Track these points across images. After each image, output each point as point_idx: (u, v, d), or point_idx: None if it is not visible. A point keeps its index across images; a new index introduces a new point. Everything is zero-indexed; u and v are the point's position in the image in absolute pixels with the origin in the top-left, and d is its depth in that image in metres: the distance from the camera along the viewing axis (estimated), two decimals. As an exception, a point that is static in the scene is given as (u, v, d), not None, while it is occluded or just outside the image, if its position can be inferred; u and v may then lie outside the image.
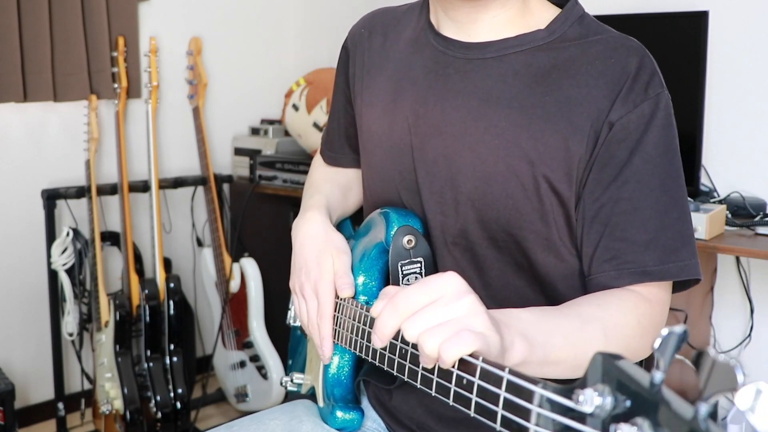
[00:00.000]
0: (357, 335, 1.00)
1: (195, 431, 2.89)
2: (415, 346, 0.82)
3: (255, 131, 3.33)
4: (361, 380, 1.20)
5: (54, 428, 2.90)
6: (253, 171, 3.13)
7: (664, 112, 1.00)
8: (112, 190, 2.90)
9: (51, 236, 2.79)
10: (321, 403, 1.16)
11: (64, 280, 2.78)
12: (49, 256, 2.78)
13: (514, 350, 0.80)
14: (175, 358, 2.75)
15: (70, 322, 2.81)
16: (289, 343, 1.42)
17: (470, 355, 0.71)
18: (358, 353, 1.00)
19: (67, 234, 2.79)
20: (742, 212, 2.22)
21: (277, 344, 2.88)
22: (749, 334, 2.36)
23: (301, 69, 3.54)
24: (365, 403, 1.25)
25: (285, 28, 3.64)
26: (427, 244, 1.09)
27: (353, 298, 1.07)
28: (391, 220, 1.09)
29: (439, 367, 0.76)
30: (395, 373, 0.87)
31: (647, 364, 1.13)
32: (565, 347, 0.88)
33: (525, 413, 0.60)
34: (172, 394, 2.70)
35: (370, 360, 0.96)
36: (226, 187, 3.28)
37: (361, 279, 1.10)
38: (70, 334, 2.82)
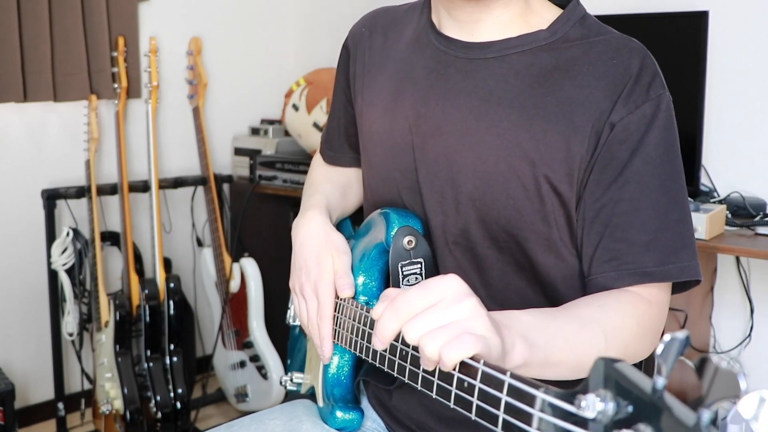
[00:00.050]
0: (357, 335, 1.00)
1: (195, 431, 2.89)
2: (415, 349, 0.82)
3: (255, 131, 3.33)
4: (360, 380, 1.20)
5: (54, 428, 2.90)
6: (253, 171, 3.13)
7: (665, 113, 1.01)
8: (112, 190, 2.90)
9: (51, 236, 2.79)
10: (321, 403, 1.16)
11: (64, 280, 2.78)
12: (49, 256, 2.78)
13: (515, 352, 0.80)
14: (175, 358, 2.75)
15: (70, 322, 2.81)
16: (288, 342, 1.42)
17: (471, 358, 0.71)
18: (358, 354, 1.00)
19: (67, 234, 2.79)
20: (742, 212, 2.22)
21: (277, 344, 2.88)
22: (749, 334, 2.36)
23: (301, 69, 3.54)
24: (365, 403, 1.25)
25: (285, 28, 3.64)
26: (428, 244, 1.09)
27: (353, 298, 1.07)
28: (392, 220, 1.09)
29: (440, 369, 0.76)
30: (395, 375, 0.87)
31: (646, 365, 1.13)
32: (566, 349, 0.88)
33: (527, 417, 0.60)
34: (172, 394, 2.70)
35: (370, 361, 0.96)
36: (226, 187, 3.28)
37: (361, 279, 1.10)
38: (70, 334, 2.82)
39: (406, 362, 0.84)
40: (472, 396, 0.69)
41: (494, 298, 1.07)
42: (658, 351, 0.47)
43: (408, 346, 0.84)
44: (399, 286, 1.06)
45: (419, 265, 1.08)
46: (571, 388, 0.60)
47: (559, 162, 1.00)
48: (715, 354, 2.44)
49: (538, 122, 1.01)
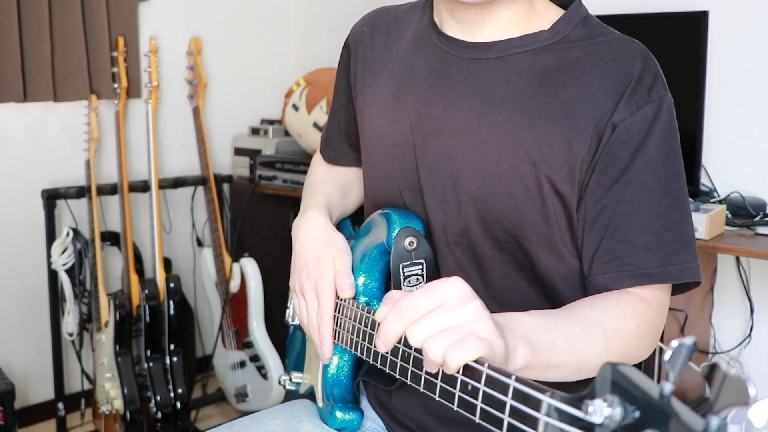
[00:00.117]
0: (358, 336, 1.00)
1: (195, 431, 2.89)
2: (418, 350, 0.82)
3: (255, 131, 3.33)
4: (360, 380, 1.20)
5: (54, 428, 2.89)
6: (253, 171, 3.13)
7: (667, 114, 1.01)
8: (112, 190, 2.90)
9: (51, 236, 2.79)
10: (320, 403, 1.16)
11: (64, 280, 2.78)
12: (49, 256, 2.78)
13: (518, 355, 0.80)
14: (175, 358, 2.75)
15: (70, 322, 2.81)
16: (287, 342, 1.42)
17: (475, 361, 0.71)
18: (358, 354, 1.00)
19: (67, 234, 2.78)
20: (742, 212, 2.22)
21: (277, 344, 2.88)
22: (749, 334, 2.37)
23: (301, 69, 3.54)
24: (364, 404, 1.25)
25: (285, 28, 3.64)
26: (429, 245, 1.09)
27: (353, 298, 1.07)
28: (393, 221, 1.08)
29: (443, 372, 0.76)
30: (397, 376, 0.87)
31: (646, 366, 1.13)
32: (567, 351, 0.88)
33: (532, 422, 0.60)
34: (172, 394, 2.70)
35: (371, 362, 0.96)
36: (226, 187, 3.28)
37: (361, 280, 1.10)
38: (70, 334, 2.82)
39: (408, 364, 0.84)
40: (476, 399, 0.69)
41: (495, 298, 1.07)
42: (666, 357, 0.47)
43: (410, 347, 0.84)
44: (400, 287, 1.06)
45: (420, 266, 1.07)
46: (573, 391, 0.60)
47: (561, 162, 1.00)
48: (715, 354, 2.44)
49: (540, 122, 1.01)
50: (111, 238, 2.98)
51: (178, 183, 3.07)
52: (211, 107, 3.36)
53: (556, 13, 1.09)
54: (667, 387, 0.46)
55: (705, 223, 1.95)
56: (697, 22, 2.20)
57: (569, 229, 1.03)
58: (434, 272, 1.09)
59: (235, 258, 2.99)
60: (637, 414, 0.48)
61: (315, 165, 1.44)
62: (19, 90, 2.74)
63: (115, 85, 2.93)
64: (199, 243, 3.27)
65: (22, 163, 2.87)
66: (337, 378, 1.13)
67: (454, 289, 0.76)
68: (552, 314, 0.94)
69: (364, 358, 0.98)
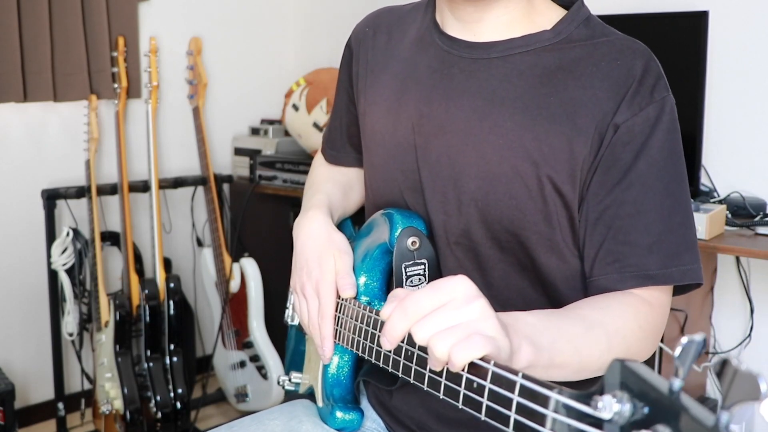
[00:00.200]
0: (359, 335, 1.00)
1: (195, 431, 2.89)
2: (422, 349, 0.82)
3: (255, 131, 3.33)
4: (360, 380, 1.20)
5: (54, 428, 2.89)
6: (253, 171, 3.13)
7: (669, 116, 1.00)
8: (112, 190, 2.90)
9: (51, 236, 2.79)
10: (320, 403, 1.16)
11: (64, 280, 2.78)
12: (49, 256, 2.78)
13: (521, 354, 0.80)
14: (175, 358, 2.75)
15: (70, 322, 2.81)
16: (286, 342, 1.42)
17: (481, 359, 0.71)
18: (360, 354, 1.00)
19: (67, 234, 2.78)
20: (742, 212, 2.22)
21: (277, 344, 2.88)
22: (749, 334, 2.37)
23: (301, 69, 3.55)
24: (365, 404, 1.25)
25: (285, 28, 3.64)
26: (431, 245, 1.09)
27: (355, 298, 1.07)
28: (395, 221, 1.08)
29: (447, 370, 0.76)
30: (400, 375, 0.87)
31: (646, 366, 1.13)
32: (570, 351, 0.88)
33: (540, 418, 0.60)
34: (172, 394, 2.70)
35: (373, 361, 0.96)
36: (226, 187, 3.28)
37: (362, 279, 1.10)
38: (70, 334, 2.82)
39: (412, 363, 0.84)
40: (482, 396, 0.69)
41: (496, 299, 1.07)
42: (676, 353, 0.47)
43: (414, 346, 0.84)
44: (402, 287, 1.06)
45: (423, 266, 1.08)
46: (580, 389, 0.60)
47: (562, 163, 1.00)
48: (715, 354, 2.44)
49: (542, 123, 1.01)
50: (111, 238, 2.98)
51: (178, 183, 3.07)
52: (211, 107, 3.36)
53: (558, 13, 1.09)
54: (677, 383, 0.46)
55: (705, 223, 1.96)
56: (697, 22, 2.20)
57: (570, 230, 1.03)
58: (436, 272, 1.09)
59: (235, 258, 2.99)
60: (646, 410, 0.49)
61: (316, 165, 1.44)
62: (19, 90, 2.74)
63: (115, 85, 2.93)
64: (199, 243, 3.27)
65: (22, 163, 2.87)
66: (338, 378, 1.13)
67: (460, 287, 0.76)
68: (555, 314, 0.94)
69: (366, 357, 0.98)
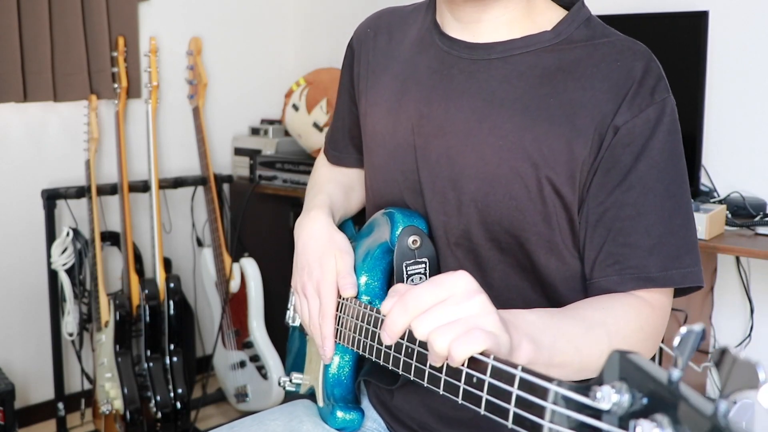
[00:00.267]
0: (360, 334, 1.00)
1: (195, 431, 2.89)
2: (422, 345, 0.82)
3: (255, 131, 3.33)
4: (361, 380, 1.20)
5: (54, 428, 2.89)
6: (253, 171, 3.14)
7: (669, 117, 1.00)
8: (112, 190, 2.90)
9: (51, 236, 2.79)
10: (321, 403, 1.16)
11: (64, 280, 2.78)
12: (49, 256, 2.78)
13: (521, 351, 0.80)
14: (175, 358, 2.75)
15: (70, 322, 2.81)
16: (287, 343, 1.42)
17: (480, 354, 0.71)
18: (361, 352, 1.00)
19: (67, 234, 2.78)
20: (742, 212, 2.22)
21: (277, 344, 2.88)
22: (749, 334, 2.37)
23: (301, 69, 3.55)
24: (365, 403, 1.25)
25: (285, 28, 3.64)
26: (432, 244, 1.09)
27: (356, 298, 1.07)
28: (396, 220, 1.09)
29: (447, 365, 0.76)
30: (401, 372, 0.87)
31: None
32: (570, 350, 0.88)
33: (539, 410, 0.60)
34: (172, 394, 2.70)
35: (374, 359, 0.96)
36: (226, 187, 3.28)
37: (363, 279, 1.10)
38: (70, 334, 2.82)
39: (412, 359, 0.84)
40: (482, 391, 0.69)
41: (496, 299, 1.06)
42: (675, 343, 0.47)
43: (414, 342, 0.84)
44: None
45: (424, 265, 1.08)
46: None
47: (562, 164, 1.00)
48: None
49: (541, 124, 1.01)
50: (111, 238, 2.98)
51: (178, 183, 3.07)
52: (211, 107, 3.37)
53: (559, 13, 1.09)
54: (676, 373, 0.46)
55: (705, 223, 1.95)
56: (697, 22, 2.20)
57: (570, 231, 1.03)
58: (437, 271, 1.09)
59: (235, 258, 2.99)
60: (645, 401, 0.49)
61: (319, 166, 1.43)
62: (19, 90, 2.74)
63: (115, 85, 2.94)
64: (199, 243, 3.27)
65: (22, 163, 2.87)
66: (338, 378, 1.13)
67: (461, 282, 0.77)
68: (556, 313, 0.94)
69: (367, 355, 0.98)
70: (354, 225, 1.36)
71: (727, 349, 0.43)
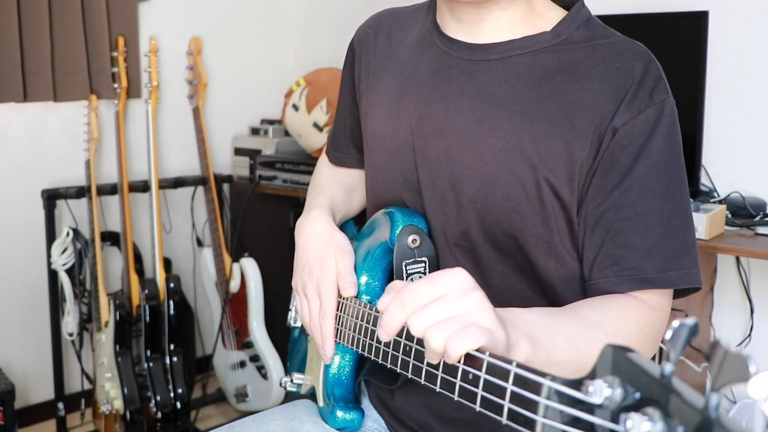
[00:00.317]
0: (359, 333, 1.00)
1: (195, 431, 2.89)
2: (420, 342, 0.82)
3: (255, 131, 3.33)
4: (362, 380, 1.20)
5: (54, 428, 2.89)
6: (253, 171, 3.14)
7: (669, 118, 1.00)
8: (112, 190, 2.90)
9: (51, 236, 2.79)
10: (321, 403, 1.16)
11: (64, 280, 2.78)
12: (49, 256, 2.78)
13: (519, 349, 0.80)
14: (175, 358, 2.75)
15: (70, 322, 2.81)
16: (289, 343, 1.42)
17: (476, 351, 0.71)
18: (361, 351, 1.00)
19: (67, 234, 2.79)
20: (742, 212, 2.22)
21: (277, 344, 2.88)
22: (749, 334, 2.37)
23: (301, 69, 3.55)
24: (366, 403, 1.25)
25: (285, 28, 3.65)
26: (432, 244, 1.09)
27: (356, 297, 1.07)
28: (396, 219, 1.09)
29: (444, 362, 0.76)
30: (399, 371, 0.87)
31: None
32: (569, 349, 0.87)
33: (532, 405, 0.60)
34: (172, 394, 2.70)
35: (373, 358, 0.96)
36: (226, 187, 3.28)
37: (364, 278, 1.10)
38: (70, 334, 2.82)
39: (410, 357, 0.84)
40: (477, 387, 0.69)
41: (495, 300, 1.06)
42: (667, 336, 0.47)
43: (412, 340, 0.84)
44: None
45: (423, 264, 1.08)
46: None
47: (560, 165, 1.00)
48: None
49: (540, 125, 1.01)
50: (111, 238, 2.98)
51: (178, 183, 3.07)
52: (211, 107, 3.37)
53: (559, 13, 1.09)
54: (668, 367, 0.46)
55: (705, 223, 1.95)
56: (697, 22, 2.20)
57: (569, 232, 1.03)
58: (436, 271, 1.09)
59: (235, 258, 2.99)
60: (637, 395, 0.48)
61: (321, 166, 1.43)
62: (19, 90, 2.74)
63: (115, 85, 2.94)
64: (199, 243, 3.27)
65: (22, 163, 2.87)
66: (339, 378, 1.13)
67: (457, 279, 0.77)
68: (554, 312, 0.94)
69: (366, 354, 0.98)
70: (355, 225, 1.36)
71: (718, 342, 0.43)
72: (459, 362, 0.73)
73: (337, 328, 1.07)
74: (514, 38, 1.06)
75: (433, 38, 1.14)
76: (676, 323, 0.46)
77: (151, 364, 2.70)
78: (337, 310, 1.07)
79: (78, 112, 2.97)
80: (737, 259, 2.37)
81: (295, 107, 3.05)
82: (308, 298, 1.11)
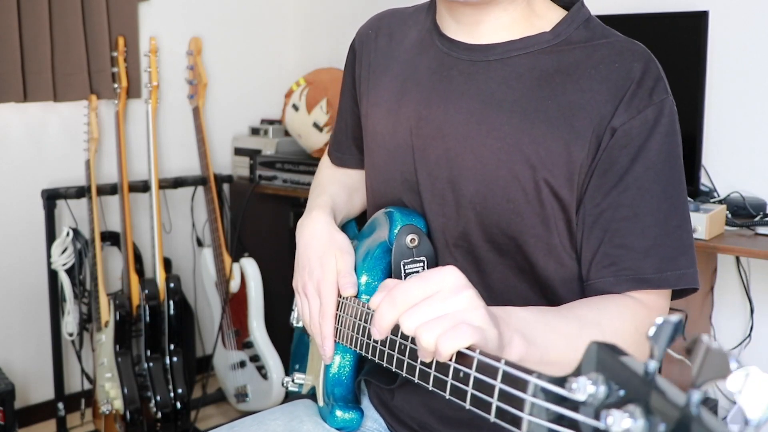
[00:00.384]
0: (359, 333, 1.00)
1: (195, 431, 2.89)
2: (413, 341, 0.82)
3: (255, 131, 3.33)
4: (362, 380, 1.20)
5: (54, 428, 2.90)
6: (253, 171, 3.14)
7: (668, 118, 0.99)
8: (112, 190, 2.90)
9: (51, 236, 2.79)
10: (321, 403, 1.17)
11: (64, 280, 2.78)
12: (49, 256, 2.78)
13: (513, 347, 0.80)
14: (175, 358, 2.75)
15: (70, 322, 2.81)
16: (292, 344, 1.42)
17: (468, 349, 0.71)
18: (359, 351, 1.00)
19: (67, 234, 2.79)
20: (742, 212, 2.22)
21: (277, 344, 2.88)
22: (749, 334, 2.36)
23: (301, 69, 3.55)
24: (366, 403, 1.25)
25: (285, 28, 3.65)
26: (431, 243, 1.09)
27: (356, 297, 1.07)
28: (395, 219, 1.09)
29: (436, 361, 0.76)
30: (394, 369, 0.87)
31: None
32: (564, 349, 0.87)
33: (519, 403, 0.60)
34: (172, 394, 2.70)
35: (371, 357, 0.96)
36: (226, 187, 3.28)
37: (364, 278, 1.10)
38: (70, 334, 2.82)
39: (405, 356, 0.84)
40: (467, 385, 0.69)
41: (495, 300, 1.07)
42: (650, 333, 0.47)
43: (406, 339, 0.84)
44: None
45: (422, 264, 1.08)
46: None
47: (560, 166, 1.00)
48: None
49: (539, 126, 1.01)
50: (111, 238, 2.98)
51: (178, 183, 3.07)
52: (211, 107, 3.37)
53: (558, 14, 1.08)
54: (652, 364, 0.46)
55: (705, 223, 1.95)
56: (697, 22, 2.20)
57: (568, 233, 1.03)
58: None
59: (235, 258, 2.99)
60: (621, 392, 0.48)
61: (322, 167, 1.44)
62: (19, 90, 2.74)
63: (115, 85, 2.94)
64: (199, 243, 3.27)
65: (22, 163, 2.87)
66: (339, 377, 1.13)
67: (449, 277, 0.76)
68: (550, 311, 0.94)
69: (363, 353, 0.98)
70: (357, 225, 1.36)
71: (699, 339, 0.43)
72: (450, 360, 0.73)
73: (337, 328, 1.07)
74: (513, 39, 1.06)
75: (432, 39, 1.14)
76: (659, 319, 0.46)
77: (151, 364, 2.70)
78: (337, 310, 1.07)
79: (78, 112, 2.97)
80: (737, 259, 2.37)
81: (295, 107, 3.05)
82: (308, 298, 1.11)
